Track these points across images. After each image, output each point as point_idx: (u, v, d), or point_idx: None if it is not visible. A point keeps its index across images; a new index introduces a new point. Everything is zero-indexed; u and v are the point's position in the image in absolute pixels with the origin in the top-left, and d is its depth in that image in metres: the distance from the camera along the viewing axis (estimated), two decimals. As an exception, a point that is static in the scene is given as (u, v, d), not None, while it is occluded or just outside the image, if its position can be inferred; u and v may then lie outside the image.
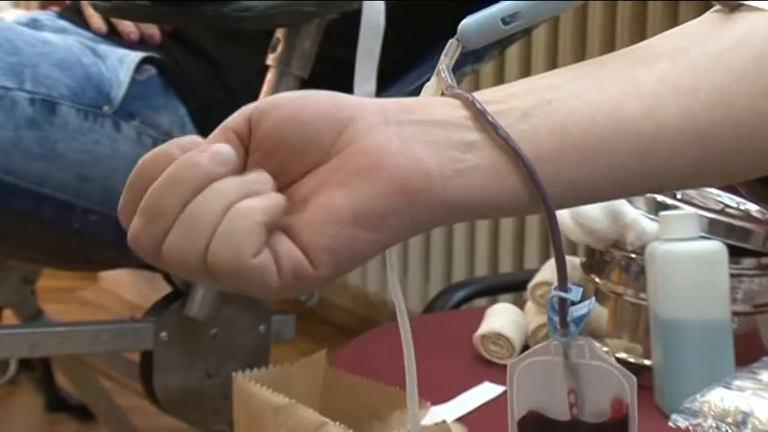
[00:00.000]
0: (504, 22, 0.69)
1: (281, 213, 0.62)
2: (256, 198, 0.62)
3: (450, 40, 0.70)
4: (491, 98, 0.66)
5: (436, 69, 0.69)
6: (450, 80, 0.68)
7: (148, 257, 0.64)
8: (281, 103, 0.64)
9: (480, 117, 0.64)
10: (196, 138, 0.64)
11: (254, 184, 0.62)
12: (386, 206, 0.62)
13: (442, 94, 0.68)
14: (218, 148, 0.63)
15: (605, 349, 1.31)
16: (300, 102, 0.64)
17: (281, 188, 0.64)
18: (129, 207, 0.64)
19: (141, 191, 0.63)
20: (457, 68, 0.70)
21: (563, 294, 0.66)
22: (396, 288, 0.70)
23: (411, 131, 0.63)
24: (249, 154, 0.64)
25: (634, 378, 0.69)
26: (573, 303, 0.67)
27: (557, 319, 0.67)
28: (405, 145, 0.63)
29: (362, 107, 0.64)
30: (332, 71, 1.57)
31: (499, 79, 2.45)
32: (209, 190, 0.62)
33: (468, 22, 0.70)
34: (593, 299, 0.69)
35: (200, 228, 0.61)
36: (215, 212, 0.61)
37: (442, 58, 0.70)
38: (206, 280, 0.63)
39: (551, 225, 0.65)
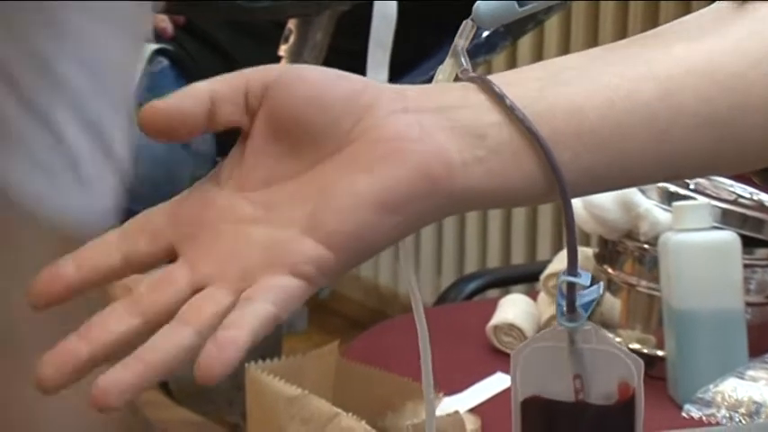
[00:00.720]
0: (520, 3, 0.69)
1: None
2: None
3: (465, 21, 0.70)
4: (507, 80, 0.65)
5: (451, 50, 0.69)
6: (465, 62, 0.68)
7: None
8: (306, 79, 0.63)
9: (497, 99, 0.64)
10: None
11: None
12: (409, 192, 0.62)
13: (457, 75, 0.68)
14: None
15: (618, 339, 1.31)
16: (327, 82, 0.63)
17: (292, 173, 0.63)
18: None
19: None
20: (470, 58, 0.69)
21: (572, 279, 0.65)
22: (410, 275, 0.70)
23: (430, 118, 0.63)
24: (254, 122, 0.63)
25: (641, 361, 0.68)
26: (582, 289, 0.67)
27: (564, 303, 0.67)
28: (425, 132, 0.62)
29: (382, 94, 0.64)
30: (344, 62, 1.56)
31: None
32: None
33: (483, 2, 0.69)
34: (602, 284, 0.69)
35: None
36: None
37: (456, 39, 0.69)
38: None
39: (566, 207, 0.64)
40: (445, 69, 0.69)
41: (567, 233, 0.65)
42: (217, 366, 0.57)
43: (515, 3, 0.69)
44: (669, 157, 0.67)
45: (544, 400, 0.69)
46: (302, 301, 0.61)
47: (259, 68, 0.64)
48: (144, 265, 0.63)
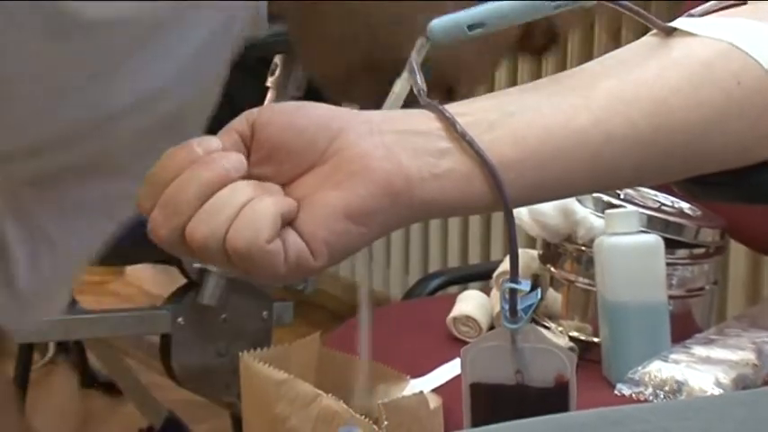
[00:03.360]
0: (470, 27, 0.68)
1: (293, 213, 0.61)
2: (273, 197, 0.61)
3: (420, 38, 0.69)
4: (461, 111, 0.65)
5: (407, 65, 0.68)
6: (419, 77, 0.68)
7: (168, 246, 0.62)
8: (282, 111, 0.64)
9: (451, 128, 0.64)
10: (214, 138, 0.63)
11: (269, 187, 0.62)
12: (374, 205, 0.62)
13: (417, 93, 0.67)
14: (236, 156, 0.62)
15: (560, 329, 1.31)
16: (299, 111, 0.64)
17: (279, 186, 0.63)
18: (150, 198, 0.62)
19: (162, 183, 0.62)
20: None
21: (514, 285, 0.65)
22: (365, 277, 0.71)
23: (393, 140, 0.63)
24: (251, 153, 0.64)
25: (574, 356, 0.69)
26: (523, 294, 0.66)
27: (508, 307, 0.67)
28: (389, 152, 0.62)
29: (352, 118, 0.64)
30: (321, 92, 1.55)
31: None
32: (231, 187, 0.61)
33: (436, 22, 0.69)
34: (540, 289, 0.69)
35: (221, 216, 0.60)
36: (236, 205, 0.60)
37: (413, 54, 0.69)
38: (221, 263, 0.62)
39: (508, 222, 0.64)
40: (401, 82, 0.69)
41: (510, 244, 0.65)
42: None
43: (465, 27, 0.69)
44: (602, 174, 0.67)
45: (490, 385, 0.69)
46: (278, 262, 0.61)
47: (243, 114, 0.64)
48: None
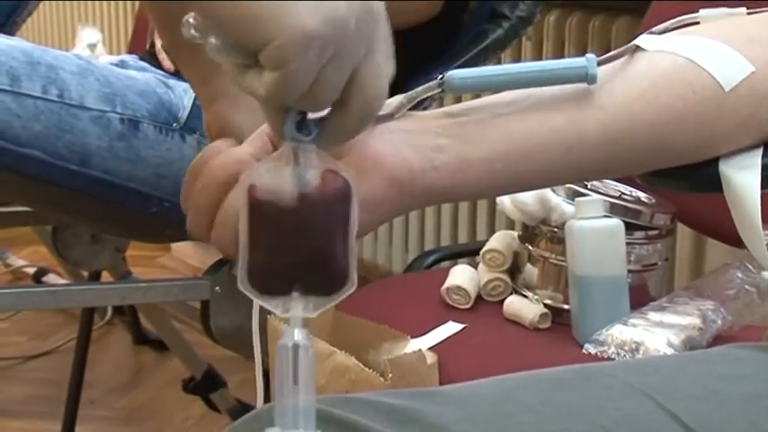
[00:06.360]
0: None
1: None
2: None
3: (432, 83, 0.66)
4: (455, 111, 0.64)
5: (407, 94, 0.66)
6: (407, 107, 0.65)
7: (203, 242, 0.62)
8: None
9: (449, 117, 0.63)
10: (221, 144, 0.61)
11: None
12: (382, 194, 0.61)
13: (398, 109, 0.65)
14: (222, 159, 0.59)
15: (536, 297, 1.30)
16: None
17: None
18: (184, 202, 0.62)
19: (192, 189, 0.61)
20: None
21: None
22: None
23: (399, 138, 0.63)
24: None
25: (354, 173, 0.56)
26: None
27: (296, 119, 0.54)
28: (395, 148, 0.62)
29: None
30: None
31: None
32: (228, 200, 0.58)
33: (453, 74, 0.65)
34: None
35: (229, 223, 0.58)
36: (235, 211, 0.56)
37: (419, 88, 0.67)
38: None
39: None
40: (393, 101, 0.66)
41: None
42: None
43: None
44: (574, 168, 0.66)
45: (272, 204, 0.54)
46: None
47: None
48: None
